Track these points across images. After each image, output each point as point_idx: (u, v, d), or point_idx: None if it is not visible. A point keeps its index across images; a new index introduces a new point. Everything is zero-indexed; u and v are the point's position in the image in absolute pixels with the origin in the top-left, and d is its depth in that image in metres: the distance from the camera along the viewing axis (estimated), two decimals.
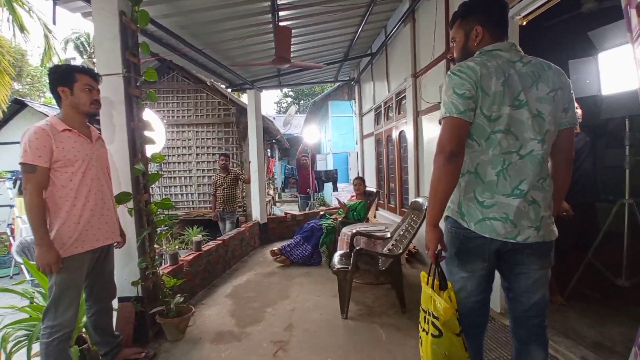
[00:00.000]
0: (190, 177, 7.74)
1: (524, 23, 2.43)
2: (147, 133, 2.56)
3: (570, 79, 1.43)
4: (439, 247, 1.34)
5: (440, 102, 1.56)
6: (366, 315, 2.81)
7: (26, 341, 2.00)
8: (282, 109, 31.28)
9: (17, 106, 8.77)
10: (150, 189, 2.62)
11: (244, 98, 7.10)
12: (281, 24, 3.85)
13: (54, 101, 1.97)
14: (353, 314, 2.81)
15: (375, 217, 5.36)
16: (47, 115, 2.10)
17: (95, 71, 2.03)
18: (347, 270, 2.79)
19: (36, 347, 1.92)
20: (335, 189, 10.51)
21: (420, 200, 3.12)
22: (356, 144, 7.98)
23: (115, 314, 2.32)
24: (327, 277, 3.75)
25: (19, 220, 6.70)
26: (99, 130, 2.26)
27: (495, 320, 2.49)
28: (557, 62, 1.38)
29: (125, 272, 2.40)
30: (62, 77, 1.86)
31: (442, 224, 1.36)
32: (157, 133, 2.87)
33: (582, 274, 2.55)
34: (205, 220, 7.20)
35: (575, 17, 3.53)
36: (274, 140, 12.76)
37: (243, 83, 5.51)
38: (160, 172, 3.37)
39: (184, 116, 7.70)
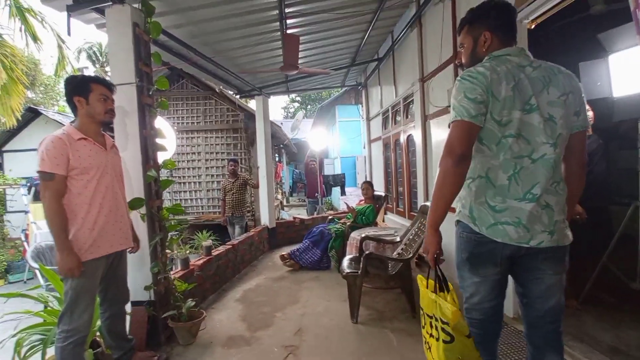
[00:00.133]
0: (200, 182, 7.82)
1: (533, 27, 2.42)
2: (158, 140, 2.61)
3: (581, 81, 1.42)
4: (438, 251, 1.33)
5: (448, 106, 1.56)
6: (377, 320, 2.80)
7: (40, 345, 2.01)
8: (289, 114, 31.45)
9: (31, 114, 9.00)
10: None
11: (252, 104, 7.17)
12: (289, 31, 3.90)
13: (67, 109, 2.04)
14: (363, 319, 2.80)
15: (383, 221, 5.34)
16: (61, 123, 2.16)
17: (110, 81, 2.08)
18: (356, 275, 2.79)
19: (50, 352, 1.95)
20: (343, 193, 10.51)
21: (429, 204, 3.10)
22: (364, 148, 7.99)
23: (128, 318, 2.35)
24: (336, 281, 3.75)
25: (34, 226, 6.83)
26: (113, 138, 2.31)
27: (508, 325, 2.46)
28: (564, 65, 1.37)
29: (138, 277, 2.44)
30: (78, 87, 1.91)
31: (447, 229, 1.36)
32: (168, 140, 2.93)
33: (597, 278, 2.51)
34: (215, 225, 7.25)
35: (584, 19, 3.50)
36: (281, 145, 12.82)
37: (251, 89, 5.58)
38: (171, 179, 3.42)
39: (194, 122, 7.80)
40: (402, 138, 5.04)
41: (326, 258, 4.38)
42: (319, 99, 25.74)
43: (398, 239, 3.43)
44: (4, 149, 9.33)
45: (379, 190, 5.67)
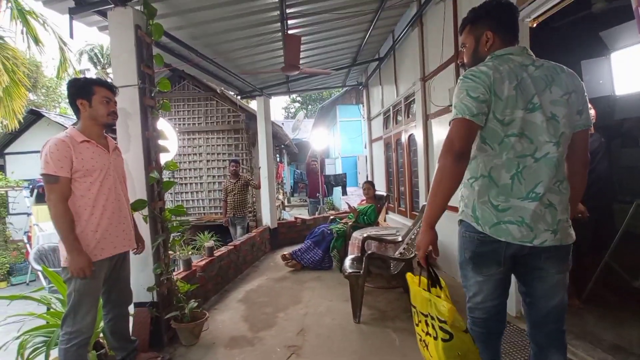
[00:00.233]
0: (201, 183, 7.83)
1: (534, 25, 2.42)
2: (160, 142, 2.62)
3: (583, 79, 1.42)
4: (430, 249, 1.30)
5: (449, 106, 1.56)
6: (379, 319, 2.80)
7: (44, 348, 2.01)
8: (290, 114, 31.47)
9: (33, 117, 9.04)
10: None
11: (253, 104, 7.18)
12: (290, 32, 3.90)
13: (69, 111, 2.04)
14: (366, 319, 2.81)
15: (385, 220, 5.34)
16: (63, 125, 2.17)
17: (112, 83, 2.09)
18: (358, 275, 2.79)
19: (54, 354, 1.95)
20: (344, 193, 10.51)
21: None
22: (365, 147, 7.99)
23: (131, 319, 2.36)
24: (338, 281, 3.75)
25: (36, 228, 6.85)
26: (116, 140, 2.32)
27: (511, 324, 2.45)
28: (566, 63, 1.37)
29: (141, 278, 2.45)
30: (81, 90, 1.92)
31: (448, 228, 1.36)
32: (170, 141, 2.93)
33: (599, 277, 2.50)
34: (216, 226, 7.26)
35: (585, 17, 3.50)
36: (282, 146, 12.83)
37: (252, 90, 5.59)
38: (173, 180, 3.43)
39: (195, 123, 7.81)
40: (404, 137, 5.04)
41: (328, 258, 4.38)
42: (319, 99, 25.76)
43: (400, 238, 3.43)
44: (6, 151, 9.38)
45: (381, 190, 5.67)
